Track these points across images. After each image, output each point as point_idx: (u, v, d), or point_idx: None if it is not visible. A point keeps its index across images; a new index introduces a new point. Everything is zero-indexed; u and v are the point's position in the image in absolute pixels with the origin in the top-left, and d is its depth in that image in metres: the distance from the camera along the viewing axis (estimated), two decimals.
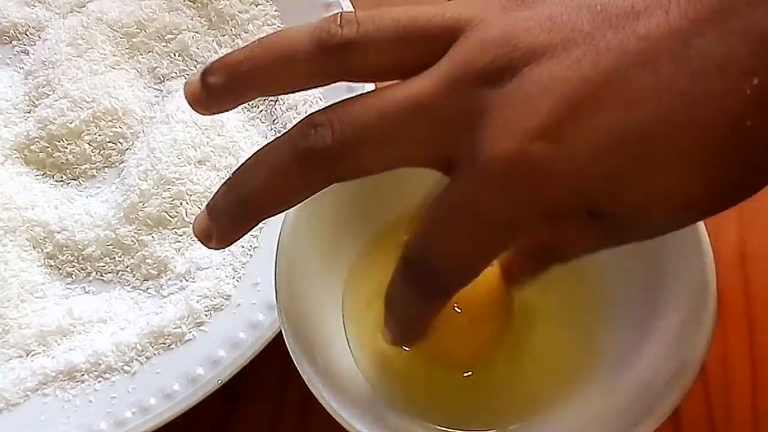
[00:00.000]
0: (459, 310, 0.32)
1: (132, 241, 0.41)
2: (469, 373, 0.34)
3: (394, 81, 0.25)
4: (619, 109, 0.22)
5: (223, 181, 0.27)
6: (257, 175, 0.26)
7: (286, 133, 0.26)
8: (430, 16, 0.25)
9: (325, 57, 0.25)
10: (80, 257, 0.42)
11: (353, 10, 0.40)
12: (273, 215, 0.27)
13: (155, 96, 0.47)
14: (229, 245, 0.28)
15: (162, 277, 0.41)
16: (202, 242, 0.28)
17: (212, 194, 0.27)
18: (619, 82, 0.22)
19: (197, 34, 0.48)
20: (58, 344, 0.39)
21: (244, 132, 0.44)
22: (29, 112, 0.47)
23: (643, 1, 0.22)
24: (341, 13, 0.25)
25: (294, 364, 0.30)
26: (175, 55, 0.48)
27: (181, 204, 0.42)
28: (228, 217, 0.27)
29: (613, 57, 0.22)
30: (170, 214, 0.41)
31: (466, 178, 0.23)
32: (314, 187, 0.26)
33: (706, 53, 0.21)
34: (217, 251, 0.40)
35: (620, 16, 0.22)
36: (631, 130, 0.22)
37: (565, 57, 0.22)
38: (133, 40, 0.48)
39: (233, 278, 0.39)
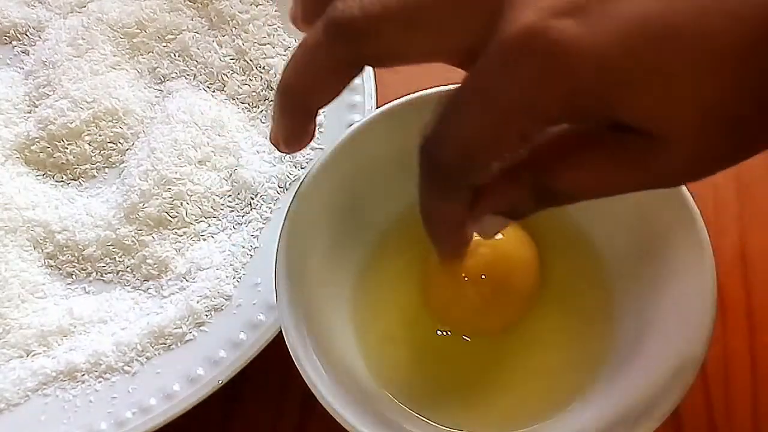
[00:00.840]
0: (484, 277, 0.32)
1: (132, 241, 0.41)
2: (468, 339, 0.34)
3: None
4: None
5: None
6: (295, 58, 0.26)
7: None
8: None
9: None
10: (81, 257, 0.42)
11: None
12: (319, 104, 0.26)
13: (156, 96, 0.47)
14: (299, 148, 0.28)
15: (162, 278, 0.41)
16: (277, 148, 0.28)
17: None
18: None
19: (197, 35, 0.48)
20: (59, 344, 0.39)
21: (244, 132, 0.44)
22: (30, 113, 0.47)
23: None
24: None
25: (294, 364, 0.30)
26: (175, 55, 0.47)
27: (181, 204, 0.41)
28: (282, 114, 0.27)
29: None
30: (171, 215, 0.41)
31: (484, 59, 0.22)
32: (345, 68, 0.25)
33: None
34: (219, 252, 0.40)
35: None
36: (655, 15, 0.21)
37: None
38: (134, 40, 0.48)
39: (234, 278, 0.39)
